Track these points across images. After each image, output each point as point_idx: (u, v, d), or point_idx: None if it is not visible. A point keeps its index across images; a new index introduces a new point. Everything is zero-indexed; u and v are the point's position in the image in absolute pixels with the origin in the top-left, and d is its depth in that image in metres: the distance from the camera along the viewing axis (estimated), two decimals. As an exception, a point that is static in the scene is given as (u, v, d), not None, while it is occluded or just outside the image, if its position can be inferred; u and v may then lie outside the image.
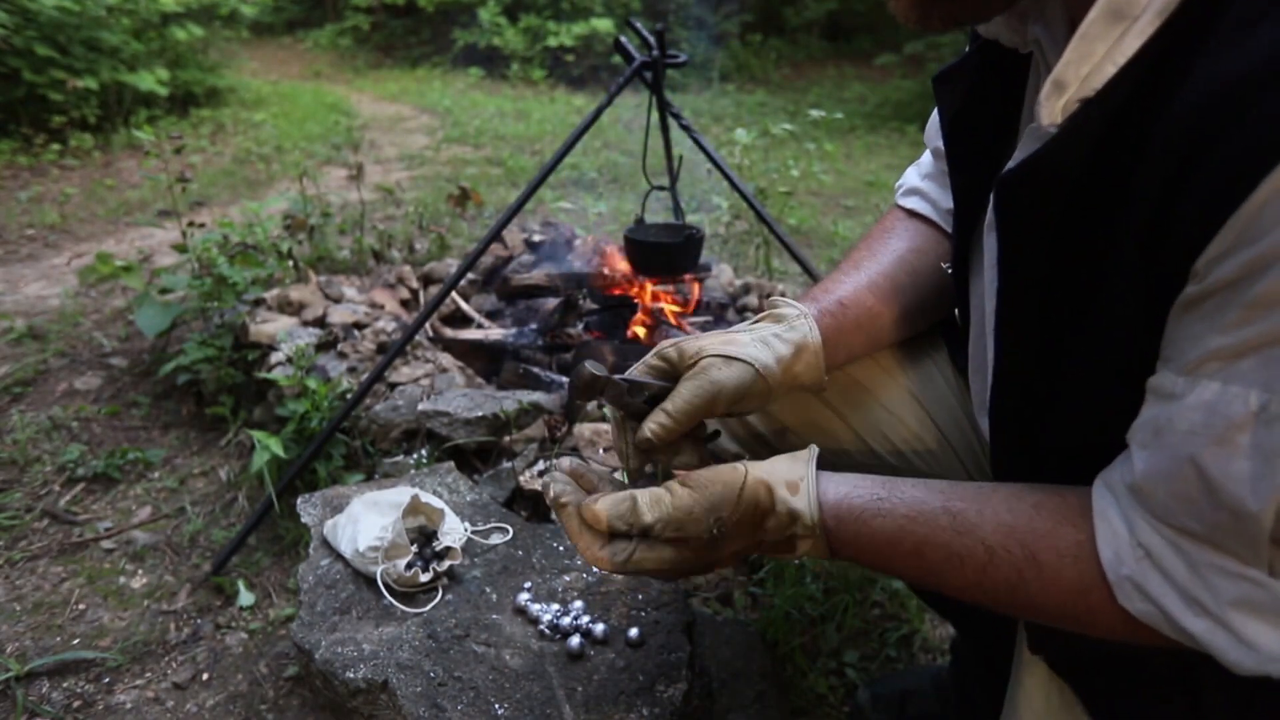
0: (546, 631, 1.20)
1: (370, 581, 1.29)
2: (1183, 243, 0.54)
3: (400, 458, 1.85)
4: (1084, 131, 0.59)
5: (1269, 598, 0.55)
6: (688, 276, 2.38)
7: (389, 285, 2.79)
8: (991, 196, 0.70)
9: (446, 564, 1.29)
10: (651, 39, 1.96)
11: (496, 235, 1.87)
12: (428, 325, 2.38)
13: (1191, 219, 0.53)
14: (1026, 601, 0.67)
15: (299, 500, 1.52)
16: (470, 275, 2.73)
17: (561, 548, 1.40)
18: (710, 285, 2.67)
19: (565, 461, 0.84)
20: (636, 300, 2.32)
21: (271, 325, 2.29)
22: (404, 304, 2.72)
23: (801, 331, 0.86)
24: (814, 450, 0.78)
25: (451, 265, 2.94)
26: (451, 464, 1.67)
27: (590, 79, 9.69)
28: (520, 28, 10.05)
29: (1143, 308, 0.59)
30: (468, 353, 2.32)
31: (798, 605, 1.52)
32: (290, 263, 2.83)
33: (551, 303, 2.44)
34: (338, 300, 2.56)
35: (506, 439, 1.83)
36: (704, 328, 2.36)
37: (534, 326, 2.37)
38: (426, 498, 1.37)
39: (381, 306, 2.58)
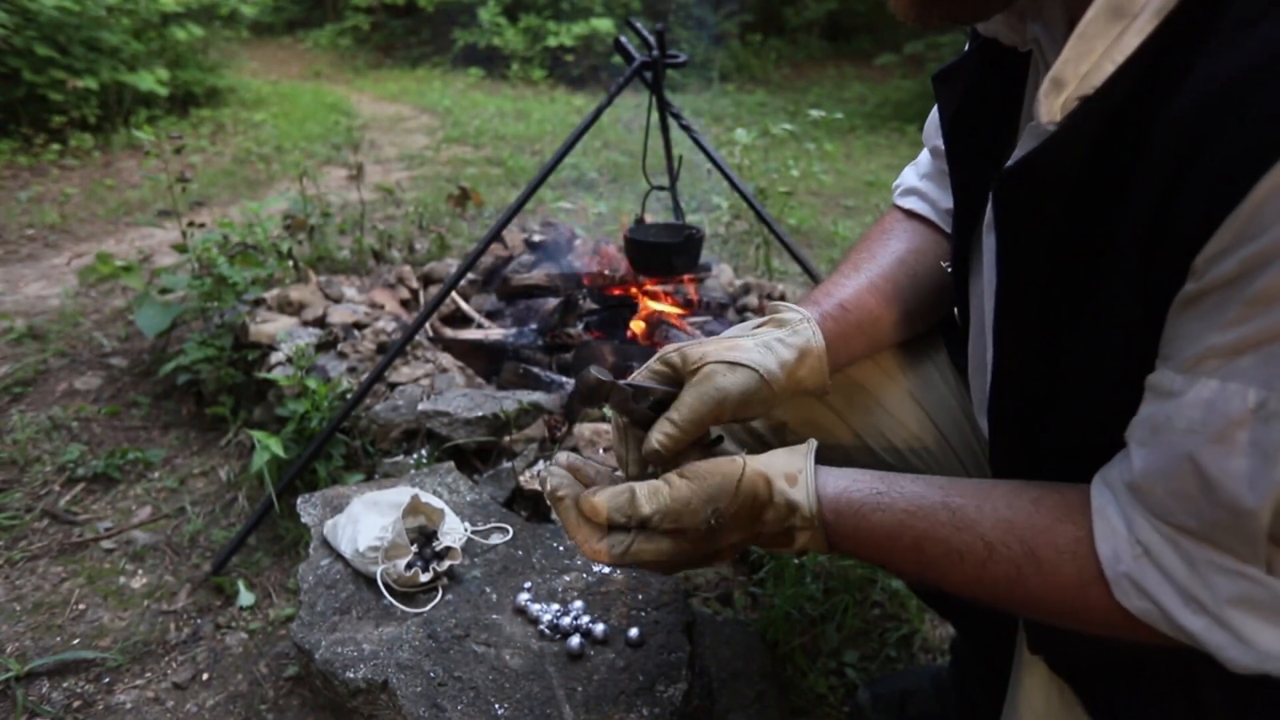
0: (546, 631, 1.20)
1: (370, 581, 1.30)
2: (1182, 240, 0.54)
3: (400, 458, 1.85)
4: (1083, 129, 0.59)
5: (1267, 595, 0.55)
6: (688, 276, 2.38)
7: (389, 285, 2.79)
8: (990, 194, 0.70)
9: (446, 564, 1.29)
10: (651, 39, 1.96)
11: (496, 235, 1.87)
12: (428, 325, 2.38)
13: (1191, 217, 0.53)
14: (1025, 597, 0.67)
15: (299, 500, 1.52)
16: (470, 275, 2.73)
17: (561, 548, 1.40)
18: (710, 285, 2.67)
19: (563, 456, 0.84)
20: (636, 300, 2.32)
21: (271, 325, 2.29)
22: (404, 304, 2.72)
23: (805, 336, 0.86)
24: (812, 443, 0.79)
25: (451, 265, 2.94)
26: (451, 464, 1.67)
27: (590, 79, 9.69)
28: (520, 28, 10.05)
29: (1142, 306, 0.59)
30: (468, 353, 2.32)
31: (798, 605, 1.52)
32: (290, 263, 2.83)
33: (551, 303, 2.44)
34: (338, 300, 2.56)
35: (506, 439, 1.83)
36: (704, 327, 2.36)
37: (534, 326, 2.37)
38: (426, 498, 1.37)
39: (381, 306, 2.58)
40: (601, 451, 1.73)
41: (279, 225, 3.06)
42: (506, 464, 1.75)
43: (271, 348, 2.19)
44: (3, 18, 4.92)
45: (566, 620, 1.21)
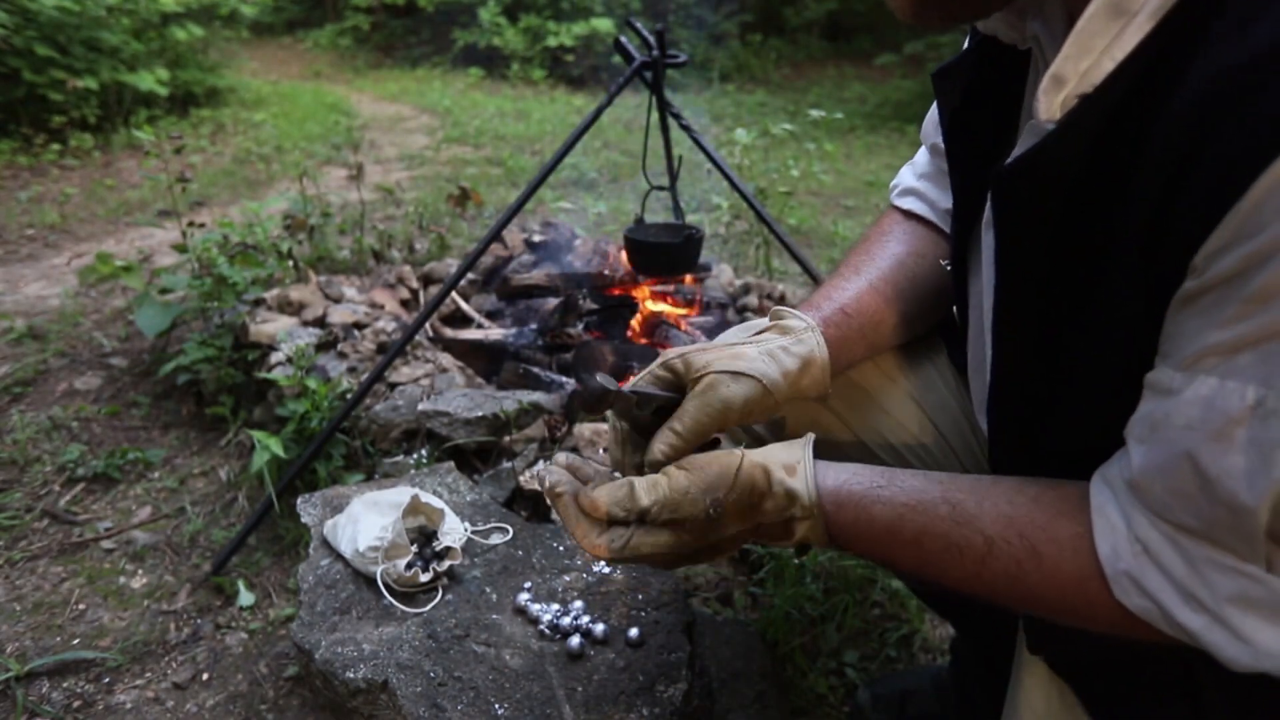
0: (546, 631, 1.20)
1: (370, 581, 1.30)
2: (1182, 238, 0.54)
3: (400, 458, 1.85)
4: (1082, 127, 0.59)
5: (1266, 593, 0.55)
6: (688, 276, 2.38)
7: (389, 285, 2.79)
8: (990, 192, 0.70)
9: (446, 564, 1.30)
10: (651, 39, 1.96)
11: (496, 235, 1.87)
12: (428, 325, 2.38)
13: (1190, 214, 0.53)
14: (1024, 593, 0.67)
15: (299, 500, 1.52)
16: (470, 275, 2.73)
17: (561, 548, 1.40)
18: (710, 285, 2.67)
19: (562, 456, 0.84)
20: (636, 300, 2.32)
21: (271, 325, 2.29)
22: (404, 304, 2.72)
23: (809, 345, 0.85)
24: (810, 436, 0.78)
25: (451, 265, 2.94)
26: (451, 464, 1.67)
27: (590, 79, 9.69)
28: (520, 28, 10.05)
29: (1142, 304, 0.59)
30: (468, 353, 2.32)
31: (798, 605, 1.52)
32: (290, 263, 2.83)
33: (551, 303, 2.43)
34: (338, 300, 2.56)
35: (506, 439, 1.83)
36: (704, 327, 2.36)
37: (534, 326, 2.37)
38: (426, 498, 1.37)
39: (381, 306, 2.58)
40: (601, 451, 1.73)
41: (279, 225, 3.06)
42: (506, 464, 1.75)
43: (271, 348, 2.19)
44: (3, 18, 4.92)
45: (566, 620, 1.21)
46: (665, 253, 2.11)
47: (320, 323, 2.38)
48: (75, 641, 1.51)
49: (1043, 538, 0.66)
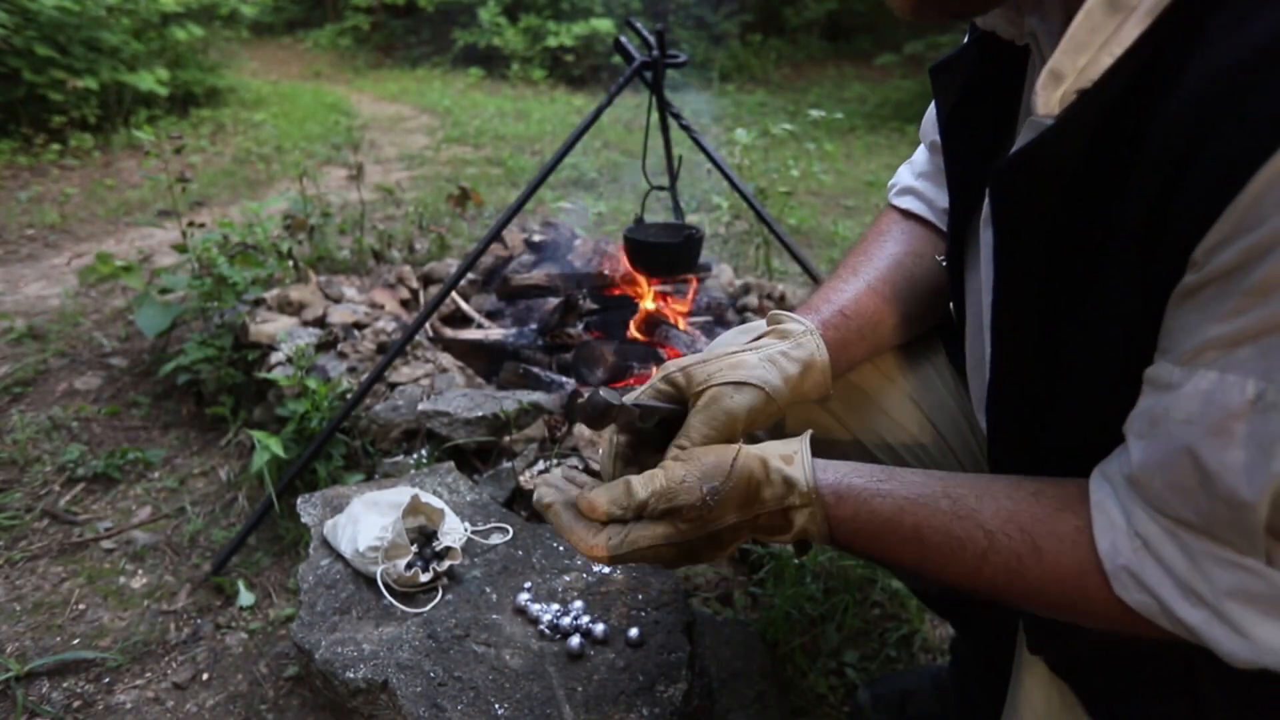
0: (546, 631, 1.20)
1: (370, 581, 1.30)
2: (1181, 233, 0.54)
3: (400, 458, 1.85)
4: (1081, 122, 0.59)
5: (1266, 588, 0.55)
6: (688, 276, 2.38)
7: (389, 285, 2.79)
8: (988, 188, 0.70)
9: (446, 564, 1.30)
10: (651, 39, 1.96)
11: (496, 235, 1.87)
12: (428, 325, 2.38)
13: (1190, 209, 0.53)
14: (1024, 589, 0.67)
15: (299, 500, 1.52)
16: (470, 275, 2.73)
17: (561, 548, 1.40)
18: (710, 285, 2.67)
19: (554, 474, 0.84)
20: (636, 300, 2.32)
21: (271, 325, 2.29)
22: (404, 304, 2.72)
23: (809, 349, 0.85)
24: (808, 431, 0.78)
25: (451, 265, 2.94)
26: (451, 464, 1.67)
27: (590, 79, 9.69)
28: (520, 28, 10.05)
29: (1141, 299, 0.59)
30: (468, 353, 2.32)
31: (798, 605, 1.52)
32: (290, 263, 2.83)
33: (551, 303, 2.43)
34: (338, 300, 2.56)
35: (506, 439, 1.83)
36: (704, 328, 2.36)
37: (534, 326, 2.37)
38: (426, 498, 1.37)
39: (381, 306, 2.58)
40: (600, 452, 1.73)
41: (279, 225, 3.06)
42: (506, 464, 1.75)
43: (271, 348, 2.19)
44: (3, 18, 4.92)
45: (566, 620, 1.21)
46: (665, 253, 2.11)
47: (320, 323, 2.38)
48: (75, 641, 1.51)
49: (1043, 532, 0.66)
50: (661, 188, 2.16)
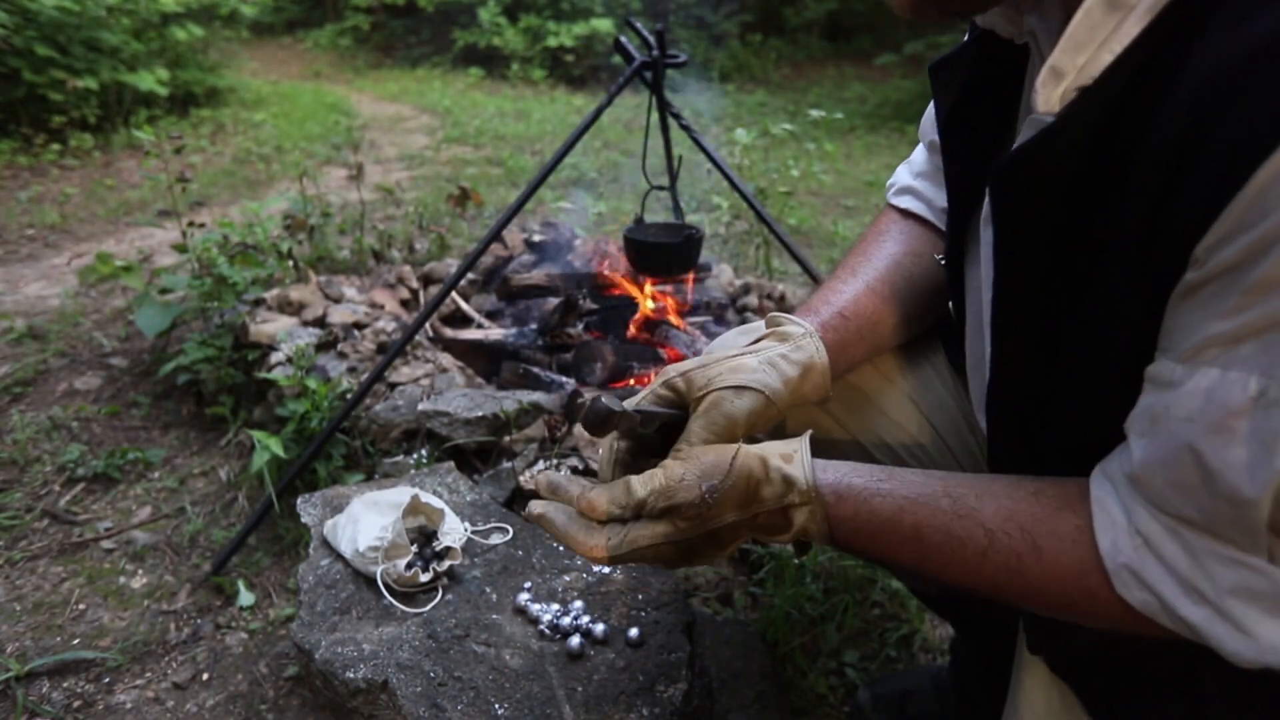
0: (546, 631, 1.20)
1: (370, 581, 1.30)
2: (1182, 230, 0.54)
3: (400, 458, 1.85)
4: (1081, 120, 0.59)
5: (1268, 585, 0.55)
6: (688, 276, 2.38)
7: (389, 285, 2.79)
8: (988, 186, 0.70)
9: (446, 564, 1.29)
10: (651, 39, 1.96)
11: (496, 235, 1.87)
12: (428, 325, 2.38)
13: (1191, 206, 0.53)
14: (1025, 587, 0.67)
15: (299, 500, 1.52)
16: (470, 275, 2.73)
17: (561, 548, 1.40)
18: (710, 285, 2.67)
19: (543, 477, 0.83)
20: (636, 300, 2.32)
21: (271, 325, 2.29)
22: (404, 304, 2.72)
23: (808, 352, 0.85)
24: (808, 431, 0.78)
25: (451, 265, 2.94)
26: (451, 464, 1.67)
27: (590, 79, 9.69)
28: (520, 28, 10.05)
29: (1141, 297, 0.59)
30: (468, 353, 2.32)
31: (798, 605, 1.52)
32: (290, 263, 2.83)
33: (551, 303, 2.43)
34: (338, 300, 2.56)
35: (506, 439, 1.83)
36: (704, 328, 2.36)
37: (534, 326, 2.37)
38: (426, 498, 1.37)
39: (381, 306, 2.58)
40: (600, 457, 1.73)
41: (279, 225, 3.06)
42: (506, 464, 1.75)
43: (271, 348, 2.19)
44: (3, 18, 4.92)
45: (566, 620, 1.21)
46: (665, 253, 2.11)
47: (320, 323, 2.38)
48: (75, 641, 1.51)
49: (1043, 531, 0.66)
50: (661, 188, 2.16)
